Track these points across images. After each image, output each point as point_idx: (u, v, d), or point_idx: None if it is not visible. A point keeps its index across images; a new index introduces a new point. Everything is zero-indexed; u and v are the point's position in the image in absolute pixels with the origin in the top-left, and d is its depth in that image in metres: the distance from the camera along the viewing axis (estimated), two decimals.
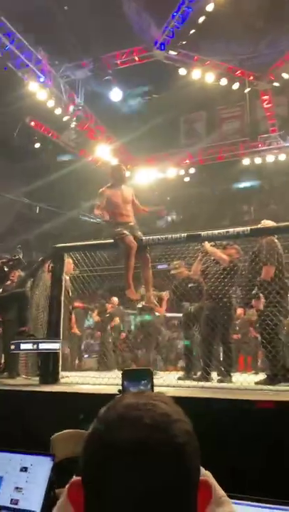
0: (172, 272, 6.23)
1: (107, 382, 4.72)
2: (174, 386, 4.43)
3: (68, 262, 6.02)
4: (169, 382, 4.64)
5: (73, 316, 6.90)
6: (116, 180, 5.31)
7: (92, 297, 9.37)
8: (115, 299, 9.90)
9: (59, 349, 4.95)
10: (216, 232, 4.82)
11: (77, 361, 9.23)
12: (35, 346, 4.90)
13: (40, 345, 4.89)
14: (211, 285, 5.24)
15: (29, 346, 4.95)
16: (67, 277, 6.12)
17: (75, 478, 0.71)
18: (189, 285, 5.94)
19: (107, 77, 14.09)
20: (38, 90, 13.22)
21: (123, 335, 10.13)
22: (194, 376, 5.34)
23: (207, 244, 5.25)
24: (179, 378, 5.36)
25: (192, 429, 0.70)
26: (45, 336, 5.09)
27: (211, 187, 25.50)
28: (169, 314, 11.21)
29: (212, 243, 5.33)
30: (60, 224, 24.14)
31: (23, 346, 4.95)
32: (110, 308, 9.53)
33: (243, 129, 19.22)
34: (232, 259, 5.27)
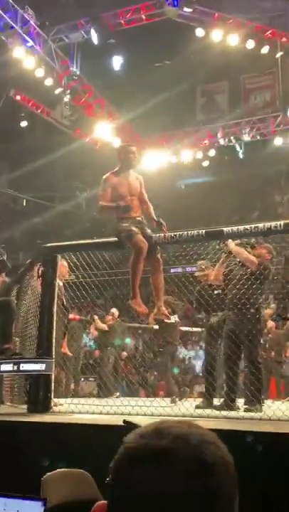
0: (196, 274, 6.23)
1: (108, 411, 4.73)
2: (191, 416, 4.42)
3: (62, 265, 6.03)
4: (184, 412, 4.63)
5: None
6: (123, 165, 5.29)
7: (91, 308, 9.41)
8: (115, 311, 9.90)
9: (48, 371, 4.96)
10: (241, 227, 4.81)
11: (73, 385, 9.26)
12: (15, 367, 4.87)
13: (22, 365, 4.85)
14: (236, 293, 5.22)
15: (9, 367, 4.93)
16: (61, 283, 6.15)
17: (99, 502, 0.85)
18: (215, 292, 5.94)
19: (109, 40, 14.13)
20: (24, 57, 13.29)
21: (124, 354, 10.15)
22: (216, 404, 5.33)
23: (231, 243, 5.22)
24: (198, 407, 5.35)
25: (229, 458, 0.80)
26: (34, 355, 5.11)
27: (235, 173, 25.48)
28: (184, 328, 11.24)
29: (237, 241, 5.30)
30: (52, 219, 24.28)
31: (3, 367, 4.95)
32: (110, 321, 9.56)
33: (274, 101, 19.15)
34: (262, 261, 5.25)
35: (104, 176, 5.23)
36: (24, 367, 4.88)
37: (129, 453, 0.78)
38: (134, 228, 4.89)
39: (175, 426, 0.80)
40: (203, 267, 6.10)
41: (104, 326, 9.40)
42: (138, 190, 5.21)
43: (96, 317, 9.35)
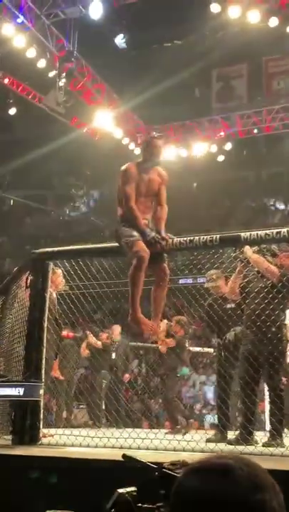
0: (207, 285, 6.22)
1: (106, 443, 4.71)
2: (201, 451, 4.40)
3: (56, 274, 6.05)
4: (194, 446, 4.61)
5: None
6: (146, 159, 5.31)
7: (86, 324, 9.40)
8: (116, 327, 9.91)
9: (32, 396, 4.95)
10: (261, 232, 4.80)
11: (65, 414, 9.26)
12: None
13: None
14: (255, 308, 5.21)
15: None
16: (55, 295, 6.16)
17: None
18: (228, 306, 5.93)
19: (112, 16, 14.20)
20: (14, 35, 13.37)
21: (126, 376, 10.14)
22: (230, 438, 5.30)
23: (249, 250, 5.21)
24: (209, 440, 5.33)
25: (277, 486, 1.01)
26: (21, 377, 5.11)
27: (255, 170, 25.53)
28: (195, 349, 11.23)
29: (256, 248, 5.28)
30: (44, 221, 24.38)
31: None
32: (106, 340, 9.55)
33: None
34: (285, 271, 5.24)
35: (124, 167, 5.18)
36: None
37: (194, 467, 1.01)
38: (135, 233, 4.88)
39: (231, 454, 1.05)
40: (214, 277, 6.09)
41: (99, 344, 9.39)
42: (156, 191, 5.22)
43: (89, 332, 9.34)
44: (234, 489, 0.95)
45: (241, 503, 0.94)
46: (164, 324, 8.87)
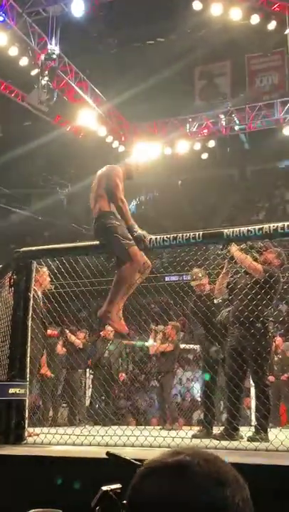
0: (192, 283, 6.27)
1: (91, 441, 4.71)
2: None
3: (43, 273, 6.03)
4: (179, 442, 4.63)
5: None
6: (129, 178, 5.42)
7: (70, 322, 9.38)
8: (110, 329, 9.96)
9: (18, 395, 4.94)
10: (244, 229, 4.82)
11: (51, 413, 9.24)
12: None
13: None
14: (239, 304, 5.24)
15: None
16: (40, 294, 6.14)
17: None
18: (215, 301, 5.98)
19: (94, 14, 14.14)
20: None
21: (122, 376, 10.16)
22: (216, 433, 5.33)
23: (233, 248, 5.26)
24: (195, 436, 5.35)
25: (243, 480, 0.97)
26: (5, 377, 5.09)
27: (239, 167, 25.63)
28: (180, 345, 11.29)
29: (242, 246, 5.33)
30: (28, 219, 24.23)
31: None
32: (83, 339, 9.57)
33: (283, 85, 19.35)
34: (268, 268, 5.27)
35: (115, 167, 5.22)
36: None
37: (149, 466, 0.96)
38: (130, 236, 4.91)
39: (191, 448, 0.98)
40: (200, 275, 6.14)
41: (79, 342, 9.40)
42: None
43: (67, 331, 9.33)
44: (192, 488, 0.90)
45: (200, 502, 0.89)
46: (160, 328, 9.22)
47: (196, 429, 6.20)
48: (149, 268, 5.22)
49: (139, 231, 4.98)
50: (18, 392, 4.98)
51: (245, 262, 5.32)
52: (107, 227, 4.96)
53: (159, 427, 8.12)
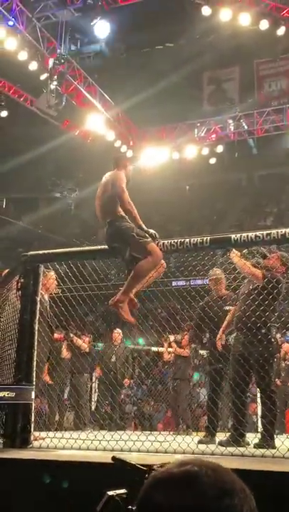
0: (209, 280, 6.29)
1: (97, 446, 4.71)
2: (192, 453, 4.41)
3: (50, 277, 6.04)
4: (184, 448, 4.62)
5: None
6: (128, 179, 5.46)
7: (77, 326, 9.40)
8: (118, 332, 9.99)
9: (22, 399, 4.94)
10: (252, 234, 4.82)
11: (57, 417, 9.23)
12: None
13: None
14: (246, 310, 5.24)
15: None
16: (47, 298, 6.15)
17: None
18: (226, 308, 6.00)
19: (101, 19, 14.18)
20: (5, 38, 13.39)
21: (127, 381, 10.17)
22: (221, 439, 5.31)
23: (233, 254, 5.27)
24: (200, 442, 5.33)
25: (248, 490, 0.98)
26: (13, 380, 5.10)
27: (247, 172, 25.59)
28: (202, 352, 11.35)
29: (244, 251, 5.34)
30: (36, 223, 24.31)
31: None
32: (88, 343, 9.60)
33: None
34: (268, 273, 5.26)
35: (118, 173, 5.27)
36: None
37: (157, 477, 0.97)
38: (147, 235, 4.98)
39: (197, 458, 1.00)
40: (219, 275, 6.17)
41: (85, 346, 9.40)
42: None
43: (72, 335, 9.35)
44: (200, 498, 0.91)
45: None
46: (171, 338, 9.38)
47: (201, 434, 6.18)
48: (164, 267, 5.26)
49: (150, 230, 5.06)
50: (24, 395, 4.99)
51: (244, 268, 5.33)
52: (123, 229, 5.01)
53: (166, 433, 8.09)
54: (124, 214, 5.10)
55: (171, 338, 9.68)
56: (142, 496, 0.98)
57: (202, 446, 4.72)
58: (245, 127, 18.32)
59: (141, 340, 11.79)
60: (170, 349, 9.69)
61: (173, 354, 9.60)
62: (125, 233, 5.00)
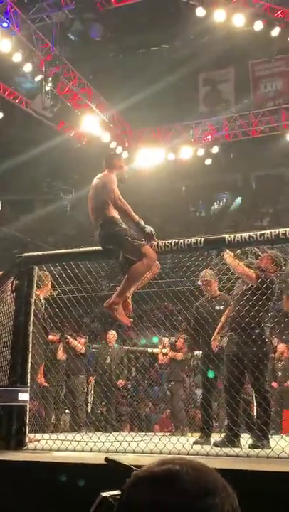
0: (200, 282, 6.32)
1: (92, 447, 4.71)
2: (187, 454, 4.41)
3: (44, 278, 6.04)
4: (180, 449, 4.62)
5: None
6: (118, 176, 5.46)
7: (72, 327, 9.39)
8: (112, 334, 10.00)
9: (22, 401, 4.94)
10: (245, 235, 4.82)
11: (53, 419, 9.22)
12: None
13: None
14: (240, 310, 5.25)
15: None
16: (42, 299, 6.15)
17: None
18: (217, 307, 6.01)
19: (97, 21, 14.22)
20: (0, 39, 13.40)
21: (121, 382, 10.18)
22: (216, 439, 5.32)
23: (226, 255, 5.28)
24: (196, 443, 5.34)
25: (231, 489, 0.97)
26: (6, 382, 5.09)
27: (242, 173, 25.62)
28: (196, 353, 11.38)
29: (238, 252, 5.35)
30: (32, 225, 24.27)
31: None
32: (84, 345, 9.60)
33: (287, 90, 19.37)
34: (261, 273, 5.28)
35: (108, 175, 5.27)
36: None
37: (138, 475, 0.97)
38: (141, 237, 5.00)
39: (179, 457, 1.00)
40: (208, 277, 6.19)
41: (80, 347, 9.40)
42: None
43: (68, 336, 9.35)
44: (180, 497, 0.91)
45: (190, 511, 0.90)
46: (166, 340, 9.44)
47: (197, 435, 6.18)
48: (158, 268, 5.27)
49: (148, 228, 5.06)
50: (19, 397, 4.99)
51: (237, 268, 5.34)
52: (117, 231, 5.01)
53: (161, 434, 8.11)
54: (116, 215, 5.11)
55: (166, 340, 9.73)
56: (123, 494, 0.99)
57: (197, 447, 4.73)
58: (241, 128, 18.34)
59: (144, 341, 11.80)
60: (164, 350, 9.73)
61: (167, 356, 9.65)
62: (119, 236, 5.00)
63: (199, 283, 6.41)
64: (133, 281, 4.99)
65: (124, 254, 4.98)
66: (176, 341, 9.56)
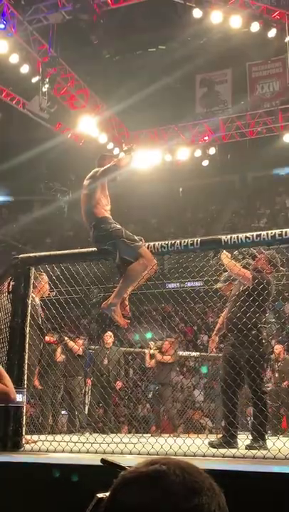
0: (218, 285, 6.29)
1: (89, 449, 4.71)
2: (183, 455, 4.40)
3: (41, 279, 6.04)
4: (176, 450, 4.61)
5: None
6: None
7: (69, 329, 9.39)
8: (109, 335, 10.00)
9: (19, 403, 4.93)
10: (242, 236, 4.83)
11: (50, 420, 9.21)
12: None
13: None
14: (236, 311, 5.25)
15: None
16: (38, 300, 6.14)
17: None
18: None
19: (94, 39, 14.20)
20: None
21: (119, 384, 10.18)
22: (213, 440, 5.31)
23: (223, 255, 5.29)
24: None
25: (218, 488, 0.98)
26: None
27: (239, 174, 25.65)
28: (182, 353, 11.39)
29: (236, 252, 5.36)
30: (29, 226, 24.28)
31: None
32: (82, 346, 9.60)
33: (284, 92, 19.36)
34: (259, 274, 5.28)
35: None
36: None
37: (125, 476, 0.97)
38: (137, 239, 5.01)
39: (166, 458, 1.00)
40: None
41: (77, 348, 9.40)
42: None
43: (66, 337, 9.34)
44: (167, 498, 0.91)
45: (176, 511, 0.91)
46: (158, 344, 9.49)
47: (193, 436, 6.16)
48: (155, 268, 5.28)
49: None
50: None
51: (233, 269, 5.35)
52: (112, 231, 5.01)
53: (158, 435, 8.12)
54: (107, 215, 5.12)
55: (152, 344, 9.77)
56: (110, 495, 0.98)
57: (194, 448, 4.73)
58: (238, 129, 18.35)
59: (137, 337, 11.83)
60: (152, 351, 9.78)
61: (154, 360, 9.74)
62: (114, 236, 5.00)
63: (218, 285, 6.34)
64: (130, 281, 5.00)
65: (120, 255, 4.98)
66: (162, 345, 9.60)
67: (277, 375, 9.87)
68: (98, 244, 5.16)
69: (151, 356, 9.90)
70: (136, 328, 8.91)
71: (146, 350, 10.00)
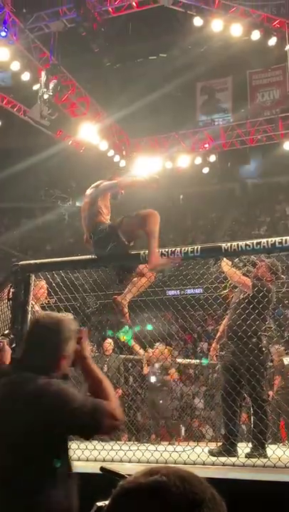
0: (223, 292, 6.28)
1: (88, 456, 4.69)
2: (184, 463, 4.39)
3: (41, 286, 6.03)
4: (176, 458, 4.59)
5: None
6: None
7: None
8: (108, 341, 10.00)
9: None
10: (242, 243, 4.83)
11: None
12: None
13: None
14: (236, 319, 5.24)
15: None
16: (37, 307, 6.13)
17: None
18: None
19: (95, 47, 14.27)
20: None
21: (119, 391, 10.16)
22: (213, 448, 5.29)
23: (223, 263, 5.29)
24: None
25: (219, 497, 0.96)
26: None
27: (239, 181, 25.70)
28: (183, 360, 11.36)
29: (236, 260, 5.35)
30: (30, 233, 24.30)
31: None
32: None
33: (284, 100, 19.44)
34: (259, 282, 5.27)
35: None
36: None
37: (124, 487, 0.95)
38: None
39: (166, 467, 0.98)
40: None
41: None
42: None
43: None
44: (168, 509, 0.90)
45: None
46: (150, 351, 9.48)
47: (191, 444, 6.14)
48: (155, 276, 5.27)
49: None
50: None
51: (233, 277, 5.34)
52: (108, 227, 5.01)
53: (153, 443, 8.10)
54: (103, 219, 5.12)
55: (150, 351, 9.75)
56: (109, 505, 0.96)
57: (193, 457, 4.71)
58: (238, 137, 18.41)
59: (138, 328, 11.79)
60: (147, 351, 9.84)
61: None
62: (111, 234, 4.99)
63: (223, 292, 6.35)
64: (153, 237, 4.84)
65: (122, 238, 4.94)
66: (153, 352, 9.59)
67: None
68: (99, 250, 5.14)
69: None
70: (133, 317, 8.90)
71: (144, 360, 10.03)
